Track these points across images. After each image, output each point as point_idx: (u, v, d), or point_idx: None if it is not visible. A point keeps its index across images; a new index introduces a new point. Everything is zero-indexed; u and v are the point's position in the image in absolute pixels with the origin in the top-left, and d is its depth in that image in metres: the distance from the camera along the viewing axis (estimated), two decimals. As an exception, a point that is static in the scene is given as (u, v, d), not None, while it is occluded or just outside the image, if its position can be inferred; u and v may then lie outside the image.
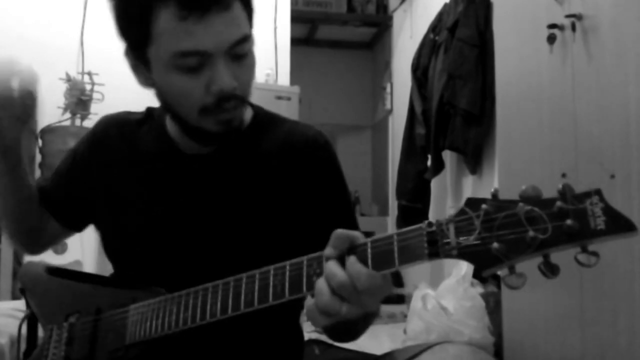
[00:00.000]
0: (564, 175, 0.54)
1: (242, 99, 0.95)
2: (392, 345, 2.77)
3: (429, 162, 3.30)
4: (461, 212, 0.66)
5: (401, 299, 3.99)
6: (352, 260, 0.70)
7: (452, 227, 0.66)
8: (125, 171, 1.07)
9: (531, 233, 0.61)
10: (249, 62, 0.95)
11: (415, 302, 2.49)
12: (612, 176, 1.55)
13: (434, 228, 0.67)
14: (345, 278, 0.70)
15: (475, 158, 2.94)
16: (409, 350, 0.89)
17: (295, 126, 1.07)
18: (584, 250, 0.60)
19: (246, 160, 1.02)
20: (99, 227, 1.11)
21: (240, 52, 0.92)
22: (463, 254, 0.64)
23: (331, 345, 2.12)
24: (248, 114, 1.07)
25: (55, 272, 1.12)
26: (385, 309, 3.69)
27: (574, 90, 1.76)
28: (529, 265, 0.63)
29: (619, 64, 1.57)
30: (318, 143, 1.04)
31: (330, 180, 1.04)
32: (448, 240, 0.65)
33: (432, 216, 3.48)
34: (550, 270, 0.62)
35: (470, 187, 3.15)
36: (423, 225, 0.68)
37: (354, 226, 1.01)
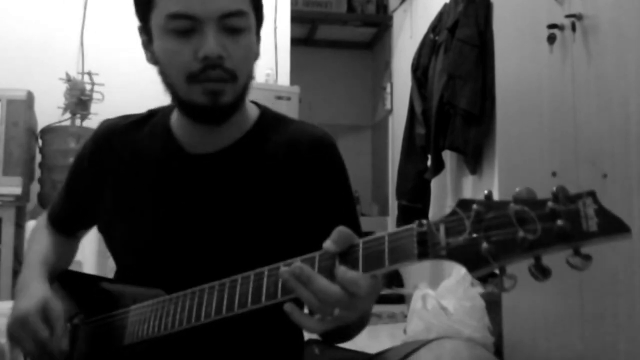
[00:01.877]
0: (554, 174, 0.52)
1: (231, 74, 0.94)
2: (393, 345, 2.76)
3: (429, 162, 3.30)
4: (453, 212, 0.65)
5: (401, 299, 3.99)
6: (342, 269, 0.70)
7: (442, 228, 0.65)
8: (130, 175, 1.06)
9: (521, 233, 0.59)
10: (245, 40, 0.95)
11: (415, 302, 2.49)
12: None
13: (424, 228, 0.66)
14: (339, 291, 0.70)
15: (475, 158, 2.94)
16: (407, 347, 0.88)
17: (301, 126, 1.07)
18: (577, 253, 0.59)
19: (252, 160, 1.02)
20: (105, 232, 1.10)
21: (234, 24, 0.93)
22: (452, 254, 0.63)
23: (331, 345, 2.11)
24: (254, 113, 1.07)
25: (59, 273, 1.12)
26: (385, 309, 3.69)
27: (574, 90, 1.76)
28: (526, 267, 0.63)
29: (619, 64, 1.57)
30: (324, 144, 1.04)
31: (336, 182, 1.04)
32: (438, 240, 0.65)
33: (432, 216, 3.48)
34: (541, 272, 0.60)
35: (470, 187, 3.15)
36: (414, 225, 0.67)
37: (356, 229, 1.01)
